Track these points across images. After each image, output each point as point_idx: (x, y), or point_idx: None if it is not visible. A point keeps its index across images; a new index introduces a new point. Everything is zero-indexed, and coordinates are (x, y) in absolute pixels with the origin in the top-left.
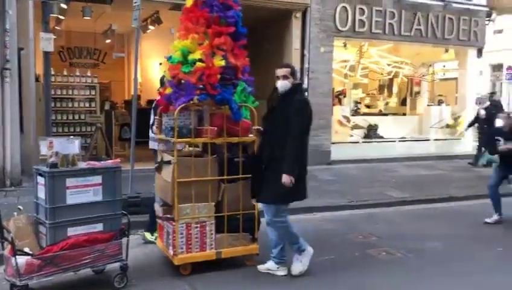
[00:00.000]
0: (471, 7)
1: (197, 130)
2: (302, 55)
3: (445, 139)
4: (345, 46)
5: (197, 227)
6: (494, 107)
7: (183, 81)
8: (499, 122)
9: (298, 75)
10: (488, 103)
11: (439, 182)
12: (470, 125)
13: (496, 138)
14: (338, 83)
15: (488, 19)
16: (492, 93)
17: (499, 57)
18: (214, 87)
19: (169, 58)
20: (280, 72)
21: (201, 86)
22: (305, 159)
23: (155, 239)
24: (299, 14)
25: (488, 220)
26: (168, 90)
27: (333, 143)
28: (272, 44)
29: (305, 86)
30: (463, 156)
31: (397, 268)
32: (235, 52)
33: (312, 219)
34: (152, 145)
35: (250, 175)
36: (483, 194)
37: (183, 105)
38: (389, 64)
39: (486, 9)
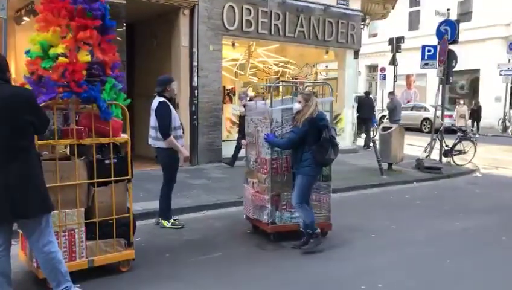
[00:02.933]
0: (348, 12)
1: (62, 131)
2: (191, 53)
3: None
4: (233, 45)
5: (64, 235)
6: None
7: (43, 78)
8: None
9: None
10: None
11: None
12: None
13: None
14: (229, 82)
15: (362, 23)
16: (367, 93)
17: (374, 59)
18: (79, 84)
19: (27, 52)
20: None
21: (64, 83)
22: None
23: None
24: (187, 12)
25: None
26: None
27: (224, 141)
28: (160, 41)
29: (194, 84)
30: (343, 151)
31: (285, 261)
32: (103, 46)
33: (201, 217)
34: None
35: (123, 177)
36: (361, 185)
37: (43, 104)
38: (276, 64)
39: (361, 14)
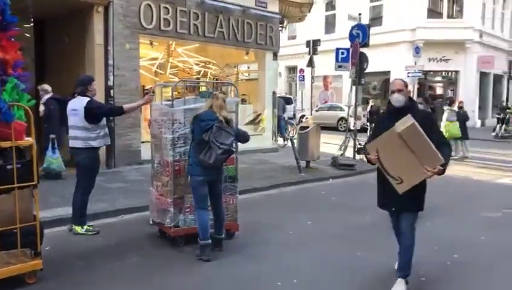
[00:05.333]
0: (267, 14)
1: None
2: (106, 52)
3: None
4: (151, 44)
5: None
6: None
7: None
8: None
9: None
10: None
11: (244, 175)
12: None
13: None
14: (149, 81)
15: (281, 25)
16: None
17: (293, 60)
18: None
19: None
20: None
21: None
22: None
23: None
24: (101, 9)
25: None
26: None
27: (143, 142)
28: (73, 39)
29: (110, 83)
30: (265, 150)
31: (202, 264)
32: (3, 44)
33: (118, 222)
34: None
35: (28, 183)
36: (280, 183)
37: None
38: (197, 64)
39: (279, 16)
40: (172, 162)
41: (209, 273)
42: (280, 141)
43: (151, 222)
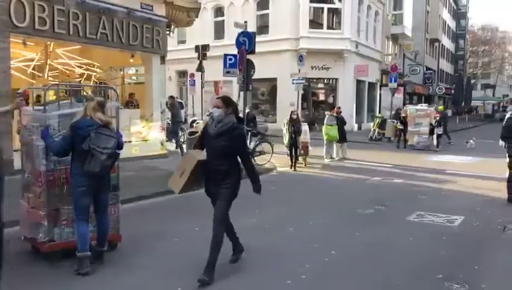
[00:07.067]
0: (153, 17)
1: None
2: None
3: (136, 142)
4: (24, 44)
5: None
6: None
7: None
8: None
9: None
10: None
11: (129, 183)
12: None
13: None
14: (24, 84)
15: (168, 29)
16: (172, 96)
17: (184, 65)
18: None
19: None
20: None
21: None
22: None
23: None
24: None
25: None
26: None
27: (16, 150)
28: None
29: None
30: (153, 156)
31: (80, 278)
32: None
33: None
34: None
35: None
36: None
37: None
38: (79, 67)
39: (166, 20)
40: (46, 172)
41: (89, 288)
42: (172, 146)
43: (22, 238)
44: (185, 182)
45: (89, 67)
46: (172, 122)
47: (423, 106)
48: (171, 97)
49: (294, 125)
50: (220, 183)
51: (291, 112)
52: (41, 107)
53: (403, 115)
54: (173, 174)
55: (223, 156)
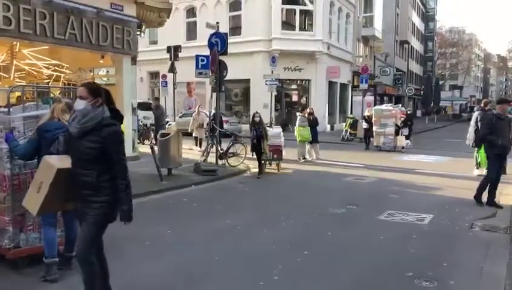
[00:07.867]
0: (123, 17)
1: None
2: None
3: None
4: None
5: None
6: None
7: None
8: None
9: None
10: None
11: None
12: None
13: None
14: None
15: (139, 30)
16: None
17: (155, 66)
18: None
19: None
20: None
21: None
22: None
23: None
24: None
25: None
26: None
27: None
28: None
29: None
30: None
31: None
32: None
33: None
34: None
35: None
36: (139, 193)
37: None
38: (47, 68)
39: (137, 21)
40: (10, 176)
41: None
42: (145, 148)
43: None
44: (43, 199)
45: (58, 68)
46: (156, 125)
47: (388, 106)
48: (157, 99)
49: (256, 129)
50: (87, 200)
51: (253, 114)
52: (5, 109)
53: (367, 114)
54: (28, 191)
55: (89, 163)
